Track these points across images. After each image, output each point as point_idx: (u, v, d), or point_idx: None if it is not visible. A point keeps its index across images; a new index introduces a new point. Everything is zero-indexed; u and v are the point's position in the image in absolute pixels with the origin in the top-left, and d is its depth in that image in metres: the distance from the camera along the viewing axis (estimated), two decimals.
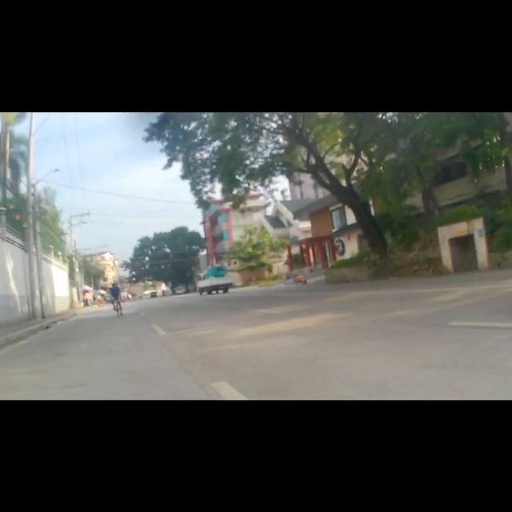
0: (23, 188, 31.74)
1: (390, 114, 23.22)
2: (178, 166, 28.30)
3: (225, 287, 48.40)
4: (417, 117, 21.34)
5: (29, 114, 28.93)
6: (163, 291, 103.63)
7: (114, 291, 24.97)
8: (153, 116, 25.54)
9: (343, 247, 39.45)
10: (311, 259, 46.19)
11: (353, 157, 28.45)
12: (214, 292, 47.07)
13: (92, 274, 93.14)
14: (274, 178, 30.79)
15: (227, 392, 4.17)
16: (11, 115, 34.81)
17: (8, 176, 32.79)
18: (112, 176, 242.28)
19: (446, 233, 20.84)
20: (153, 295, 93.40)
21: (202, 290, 52.09)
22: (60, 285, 42.66)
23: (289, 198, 58.47)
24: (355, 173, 28.12)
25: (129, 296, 44.52)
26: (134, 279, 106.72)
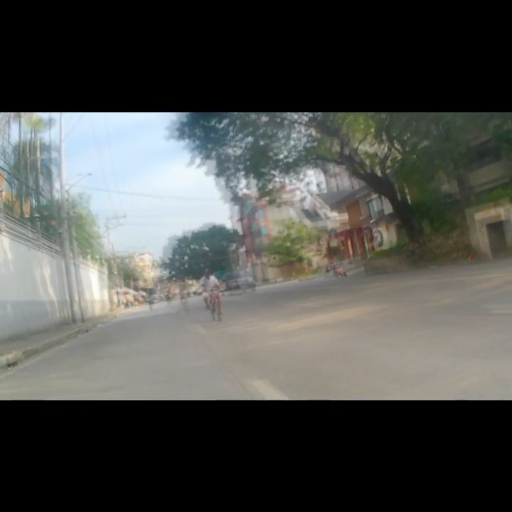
0: (57, 194, 32.15)
1: None
2: (210, 164, 28.31)
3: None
4: None
5: (57, 120, 29.22)
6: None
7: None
8: (183, 115, 25.64)
9: (382, 237, 38.91)
10: (350, 251, 45.78)
11: (387, 146, 28.10)
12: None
13: (131, 276, 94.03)
14: (308, 172, 30.80)
15: (268, 390, 4.15)
16: (40, 122, 35.14)
17: (41, 182, 33.14)
18: (145, 176, 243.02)
19: (483, 219, 20.53)
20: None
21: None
22: (98, 288, 43.26)
23: (325, 191, 57.94)
24: (389, 162, 27.77)
25: (166, 294, 42.90)
26: (173, 278, 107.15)
